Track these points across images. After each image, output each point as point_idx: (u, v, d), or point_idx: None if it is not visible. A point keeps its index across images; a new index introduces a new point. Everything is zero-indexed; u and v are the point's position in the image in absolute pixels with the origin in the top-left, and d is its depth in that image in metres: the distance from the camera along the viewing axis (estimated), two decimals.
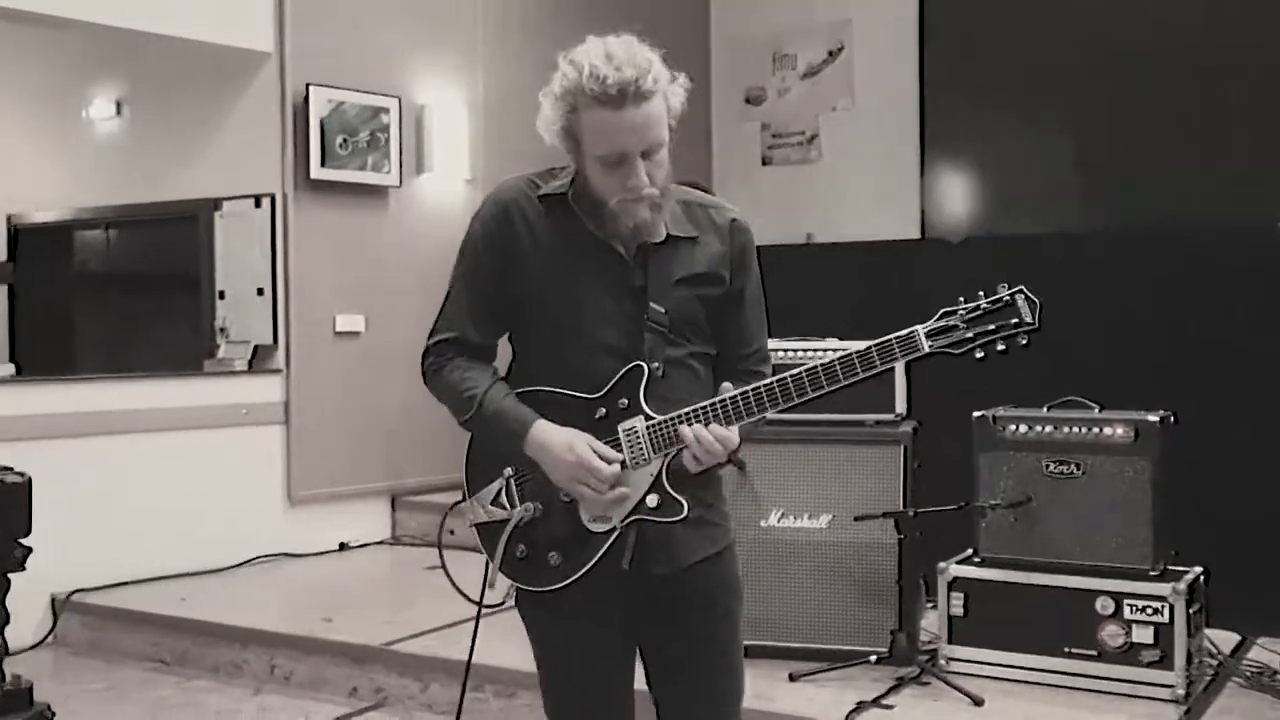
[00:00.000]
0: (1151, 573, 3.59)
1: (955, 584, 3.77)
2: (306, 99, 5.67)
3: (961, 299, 2.08)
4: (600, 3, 6.88)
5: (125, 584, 5.09)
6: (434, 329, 2.25)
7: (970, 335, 2.06)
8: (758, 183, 7.69)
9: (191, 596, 4.96)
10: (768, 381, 2.11)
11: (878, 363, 2.07)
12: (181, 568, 5.28)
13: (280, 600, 5.22)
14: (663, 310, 2.18)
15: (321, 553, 5.74)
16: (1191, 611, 3.56)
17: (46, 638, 4.92)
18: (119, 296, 6.80)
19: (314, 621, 4.54)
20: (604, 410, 2.15)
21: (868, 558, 3.87)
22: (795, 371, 2.12)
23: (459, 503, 2.28)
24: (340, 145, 5.80)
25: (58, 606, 4.97)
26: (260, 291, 5.72)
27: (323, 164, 5.74)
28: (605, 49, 2.06)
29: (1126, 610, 3.55)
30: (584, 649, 2.23)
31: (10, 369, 5.34)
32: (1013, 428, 3.78)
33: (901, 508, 3.82)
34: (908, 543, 3.81)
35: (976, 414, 3.83)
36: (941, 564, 3.81)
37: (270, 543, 5.62)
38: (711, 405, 2.10)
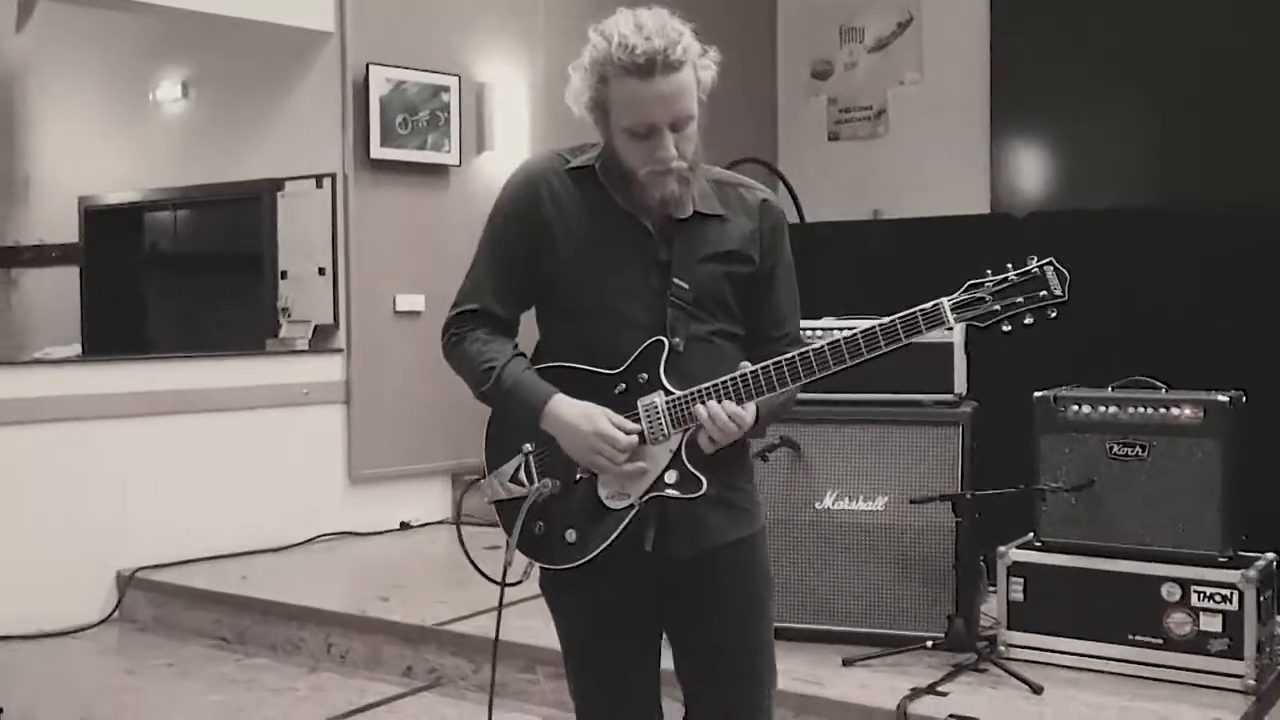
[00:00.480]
0: (1220, 559, 3.46)
1: (1015, 569, 3.67)
2: (366, 78, 5.67)
3: (989, 271, 2.03)
4: None
5: (189, 561, 5.15)
6: (456, 300, 2.23)
7: (997, 308, 2.01)
8: (824, 159, 7.59)
9: (253, 575, 5.00)
10: (788, 356, 2.07)
11: (901, 336, 2.02)
12: (244, 546, 5.33)
13: (339, 579, 5.26)
14: (686, 286, 2.14)
15: (382, 532, 5.77)
16: (1262, 599, 3.43)
17: (112, 614, 4.99)
18: (186, 277, 6.89)
19: (371, 600, 4.56)
20: (624, 385, 2.12)
21: (924, 541, 3.78)
22: (816, 345, 2.07)
23: (477, 480, 2.25)
24: (400, 124, 5.80)
25: (122, 583, 5.04)
26: (321, 271, 5.75)
27: (383, 143, 5.74)
28: (635, 20, 2.04)
29: (1194, 597, 3.43)
30: (608, 631, 2.20)
31: (76, 349, 5.41)
32: (1075, 408, 3.67)
33: (959, 490, 3.73)
34: (965, 526, 3.71)
35: (1038, 394, 3.72)
36: (1001, 548, 3.72)
37: (332, 522, 5.65)
38: (729, 381, 2.06)
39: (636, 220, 2.15)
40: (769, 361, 2.08)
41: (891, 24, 7.41)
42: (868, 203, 7.17)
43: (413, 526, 5.89)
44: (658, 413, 2.09)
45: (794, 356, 2.07)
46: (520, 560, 2.14)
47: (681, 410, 2.09)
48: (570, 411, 2.10)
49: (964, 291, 2.02)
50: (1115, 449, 3.60)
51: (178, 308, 6.82)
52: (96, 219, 6.92)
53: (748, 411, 2.06)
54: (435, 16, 5.96)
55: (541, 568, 2.18)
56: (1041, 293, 2.01)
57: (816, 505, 3.89)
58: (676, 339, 2.13)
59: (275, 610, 4.61)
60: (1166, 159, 6.49)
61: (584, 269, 2.16)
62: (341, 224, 5.71)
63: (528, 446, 2.17)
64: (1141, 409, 3.58)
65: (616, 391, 2.12)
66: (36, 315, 7.22)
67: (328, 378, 5.70)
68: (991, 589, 3.87)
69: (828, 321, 3.99)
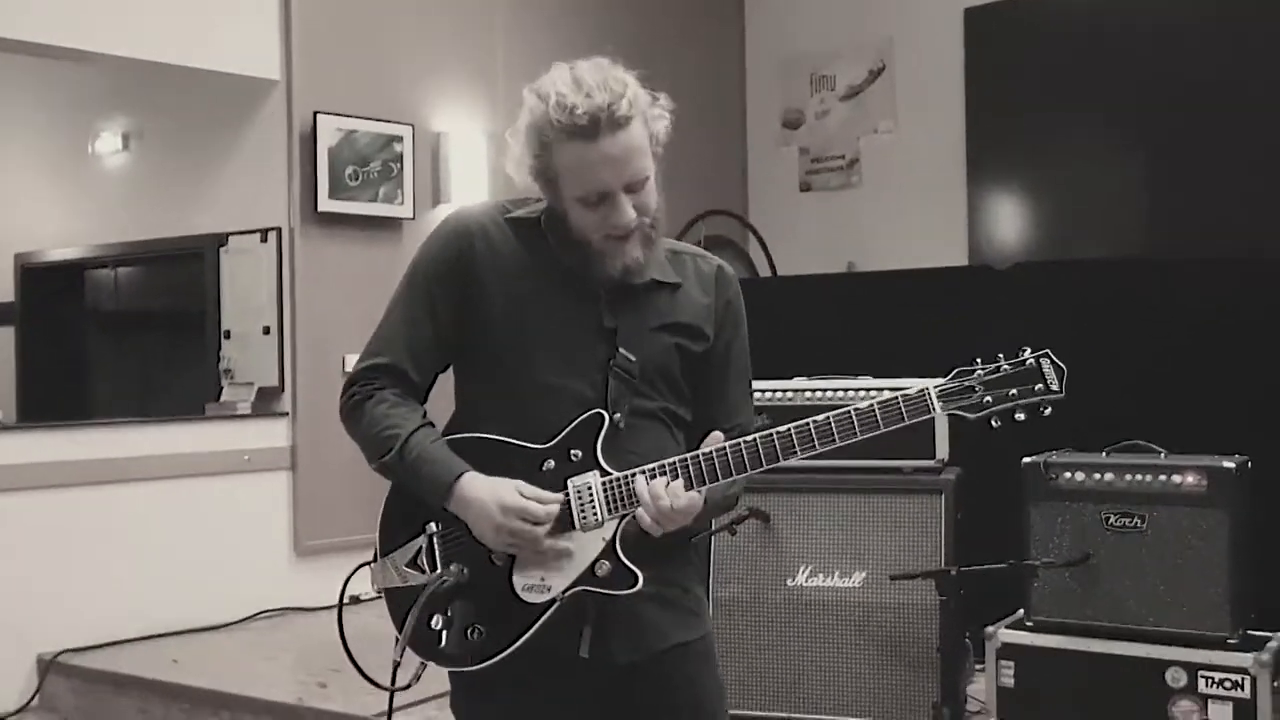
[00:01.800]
0: (1230, 640, 3.16)
1: (1004, 651, 3.37)
2: (314, 128, 5.40)
3: (978, 359, 1.86)
4: (627, 26, 6.62)
5: (119, 643, 4.79)
6: (363, 355, 1.95)
7: (988, 399, 1.83)
8: (796, 210, 7.34)
9: (186, 657, 4.65)
10: (749, 439, 1.80)
11: (880, 424, 1.82)
12: (181, 624, 4.98)
13: (278, 661, 4.89)
14: (633, 358, 1.87)
15: (329, 607, 5.39)
16: (1276, 684, 3.14)
17: (30, 702, 4.63)
18: (126, 337, 6.58)
19: (310, 687, 4.21)
20: (552, 462, 1.84)
21: (906, 621, 3.48)
22: (783, 429, 1.82)
23: (366, 563, 1.95)
24: (350, 176, 5.52)
25: (43, 668, 4.68)
26: (266, 330, 5.44)
27: (331, 195, 5.46)
28: (573, 75, 1.81)
29: (1201, 683, 3.13)
30: None
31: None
32: (1068, 475, 3.38)
33: (943, 565, 3.43)
34: (950, 605, 3.41)
35: (1026, 460, 3.43)
36: (989, 628, 3.42)
37: (275, 597, 5.30)
38: (682, 461, 1.78)
39: (582, 281, 1.90)
40: (726, 443, 1.82)
41: (864, 72, 7.20)
42: (842, 255, 6.92)
43: (362, 600, 5.51)
44: (590, 494, 1.80)
45: (755, 440, 1.82)
46: (412, 660, 1.84)
47: (619, 493, 1.80)
48: (480, 490, 1.80)
49: (952, 379, 1.84)
50: (1112, 520, 3.31)
51: (117, 369, 6.50)
52: (33, 277, 6.60)
53: (696, 498, 1.77)
54: (387, 63, 5.70)
55: (451, 675, 1.87)
56: (1036, 386, 1.83)
57: (788, 582, 3.59)
58: (618, 414, 1.85)
59: (205, 699, 4.26)
60: (1154, 207, 6.26)
61: (516, 330, 1.89)
62: (288, 280, 5.41)
63: (433, 526, 1.87)
64: (1140, 476, 3.29)
65: (543, 468, 1.84)
66: None
67: (272, 443, 5.37)
68: (979, 667, 3.57)
69: (799, 382, 3.73)
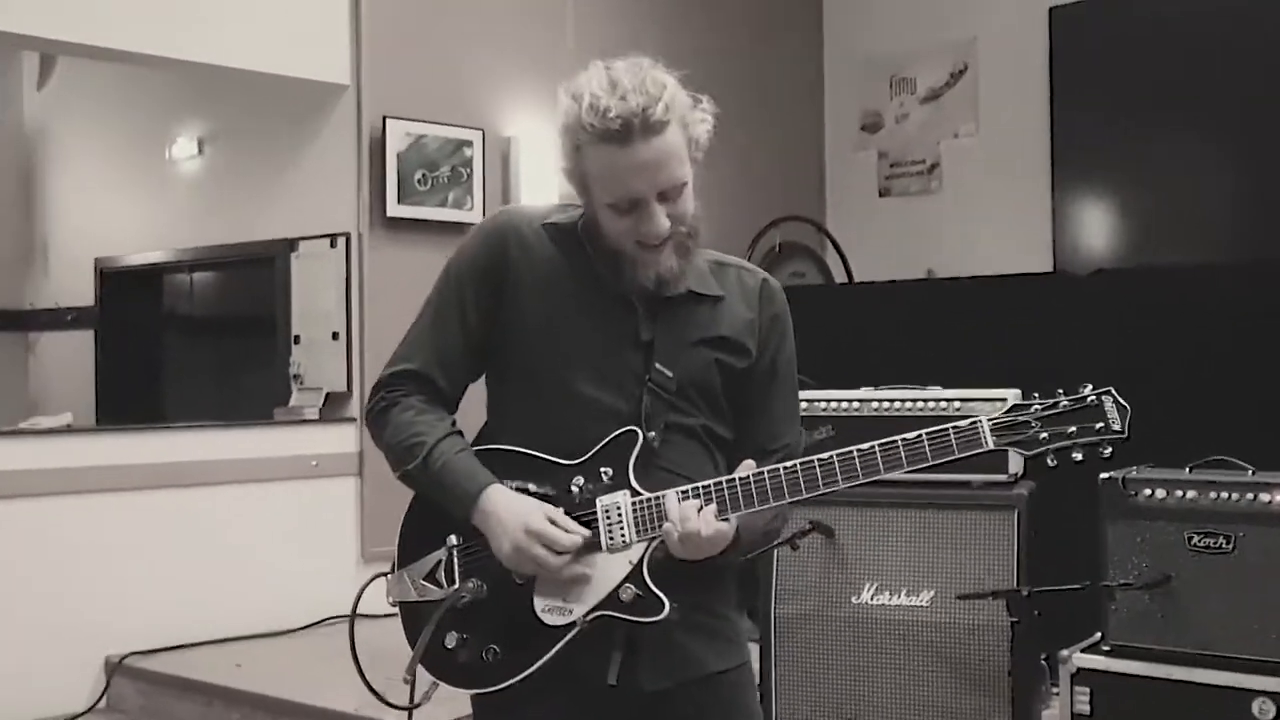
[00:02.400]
0: None
1: (1080, 677, 3.20)
2: (383, 133, 5.38)
3: (1036, 395, 1.75)
4: (702, 27, 6.53)
5: (184, 646, 4.80)
6: (391, 359, 1.88)
7: (1044, 436, 1.72)
8: (874, 215, 7.18)
9: (250, 662, 4.64)
10: (789, 465, 1.69)
11: (929, 456, 1.73)
12: (245, 629, 4.98)
13: (340, 669, 4.86)
14: (669, 373, 1.78)
15: (395, 614, 5.38)
16: None
17: (98, 703, 4.66)
18: (203, 342, 6.63)
19: (369, 696, 4.17)
20: (581, 479, 1.76)
21: (976, 642, 3.33)
22: (825, 456, 1.72)
23: (384, 574, 1.88)
24: (419, 181, 5.49)
25: (110, 670, 4.70)
26: (335, 336, 5.44)
27: (400, 201, 5.44)
28: (609, 76, 1.73)
29: None
30: None
31: (68, 417, 5.13)
32: (1148, 493, 3.20)
33: (1014, 585, 3.28)
34: (1022, 626, 3.26)
35: (1104, 476, 3.27)
36: (1064, 651, 3.26)
37: (341, 604, 5.27)
38: (716, 485, 1.68)
39: (619, 292, 1.81)
40: (764, 469, 1.73)
41: (945, 74, 7.02)
42: (920, 261, 6.75)
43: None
44: (620, 515, 1.71)
45: (796, 466, 1.72)
46: (424, 678, 1.77)
47: (649, 515, 1.71)
48: (503, 504, 1.71)
49: (1007, 413, 1.74)
50: (1195, 540, 3.13)
51: (192, 374, 6.55)
52: (112, 281, 6.68)
53: (728, 528, 1.67)
54: (457, 67, 5.67)
55: (474, 698, 1.80)
56: (1097, 425, 1.73)
57: (853, 599, 3.46)
58: (652, 432, 1.76)
59: (266, 705, 4.24)
60: (1247, 211, 6.01)
61: (550, 340, 1.81)
62: (356, 285, 5.40)
63: (453, 539, 1.79)
64: (1226, 494, 3.11)
65: (573, 486, 1.74)
66: (53, 381, 6.98)
67: (340, 449, 5.36)
68: (1056, 692, 3.41)
69: (865, 391, 3.61)
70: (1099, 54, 6.45)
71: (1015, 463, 3.44)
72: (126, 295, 6.68)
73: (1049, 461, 1.75)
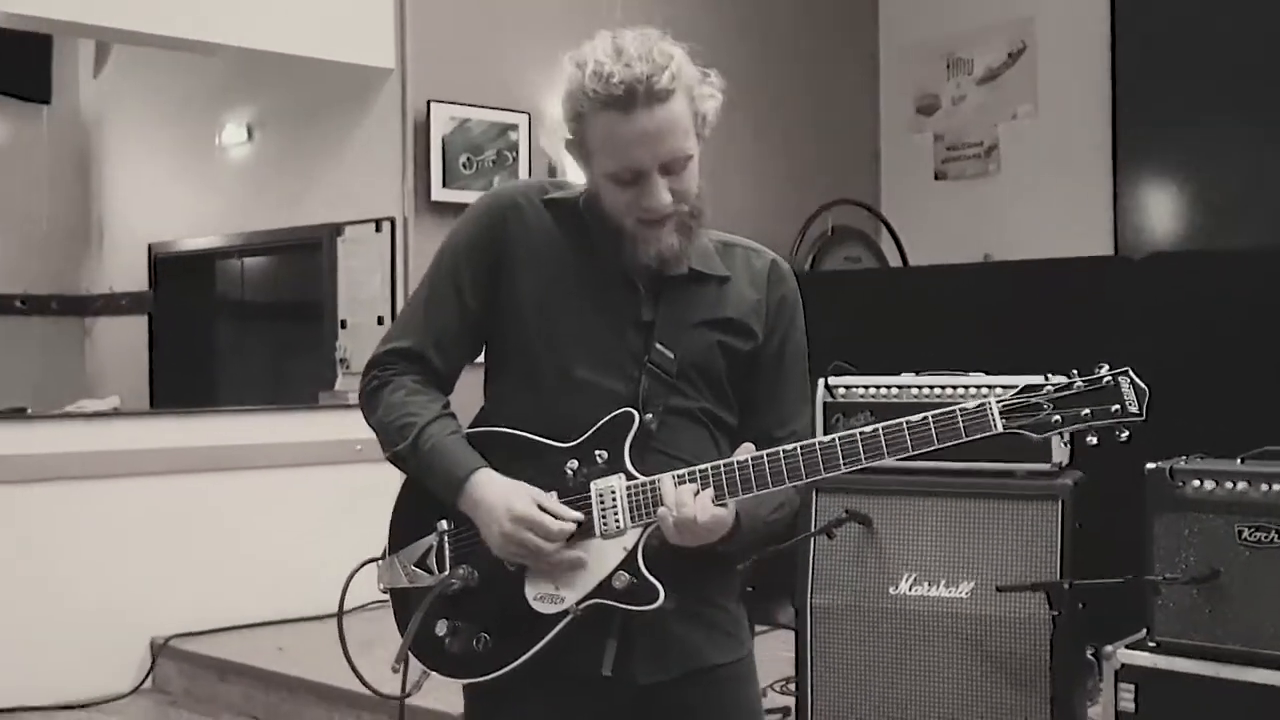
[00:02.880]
0: None
1: (1124, 673, 3.09)
2: (428, 116, 5.37)
3: (1047, 374, 1.67)
4: (757, 9, 6.43)
5: (227, 629, 4.84)
6: (386, 336, 1.83)
7: (1056, 419, 1.64)
8: (930, 199, 7.05)
9: (291, 646, 4.66)
10: (789, 448, 1.62)
11: (935, 439, 1.65)
12: (287, 613, 4.99)
13: (379, 653, 4.87)
14: (670, 354, 1.72)
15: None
16: None
17: (142, 684, 4.70)
18: (253, 326, 6.68)
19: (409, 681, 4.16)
20: (575, 462, 1.70)
21: (1017, 636, 3.23)
22: (827, 439, 1.65)
23: (374, 559, 1.84)
24: (464, 165, 5.47)
25: (155, 651, 4.74)
26: (380, 320, 5.43)
27: (445, 185, 5.42)
28: (615, 43, 1.69)
29: None
30: None
31: (115, 401, 5.17)
32: (1197, 484, 3.08)
33: (1057, 577, 3.18)
34: (1064, 620, 3.15)
35: (1151, 466, 3.15)
36: (1109, 647, 3.15)
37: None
38: (711, 469, 1.62)
39: (620, 269, 1.76)
40: (764, 452, 1.66)
41: (1003, 54, 6.86)
42: (978, 246, 6.60)
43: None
44: (614, 500, 1.66)
45: (796, 449, 1.66)
46: (415, 667, 1.72)
47: (645, 500, 1.65)
48: (493, 491, 1.66)
49: (1017, 394, 1.66)
50: (1246, 534, 3.00)
51: (241, 358, 6.60)
52: (165, 266, 6.74)
53: (726, 514, 1.61)
54: (502, 50, 5.63)
55: (465, 688, 1.75)
56: (1113, 407, 1.63)
57: (890, 590, 3.37)
58: (650, 414, 1.71)
59: (305, 688, 4.25)
60: None
61: (548, 320, 1.76)
62: (401, 270, 5.39)
63: (444, 524, 1.75)
64: (1279, 486, 2.99)
65: (567, 469, 1.69)
66: (108, 365, 7.06)
67: None
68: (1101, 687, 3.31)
69: (906, 378, 3.51)
70: (1163, 31, 6.26)
71: (1059, 452, 3.33)
72: (179, 280, 6.74)
73: (1063, 440, 1.66)
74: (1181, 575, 3.04)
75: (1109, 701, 3.13)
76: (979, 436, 1.64)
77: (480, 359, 1.91)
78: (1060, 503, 3.25)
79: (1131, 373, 1.64)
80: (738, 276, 1.82)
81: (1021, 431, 1.65)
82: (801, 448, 1.64)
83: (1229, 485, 3.03)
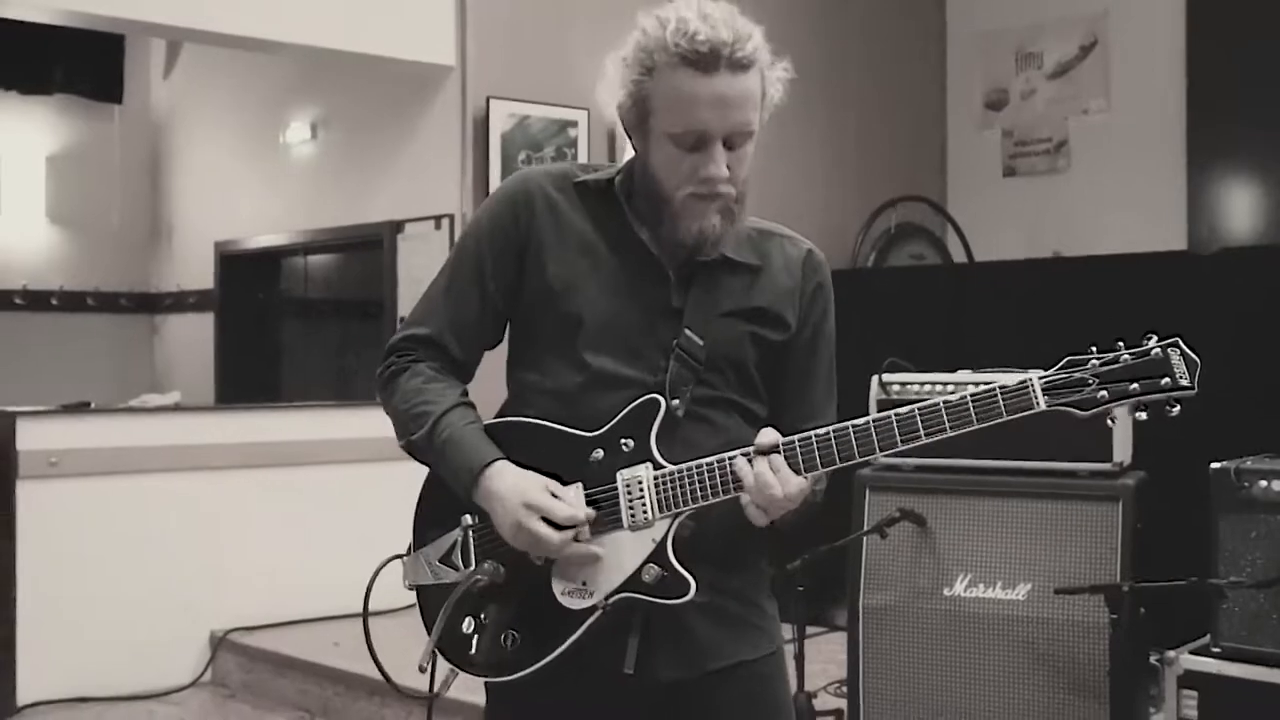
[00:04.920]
0: None
1: (1186, 679, 3.00)
2: (487, 113, 5.36)
3: (1093, 347, 1.59)
4: (825, 3, 6.36)
5: (286, 624, 4.88)
6: (405, 322, 1.81)
7: (1102, 394, 1.55)
8: (999, 196, 6.91)
9: (348, 641, 4.67)
10: (821, 431, 1.58)
11: (974, 420, 1.58)
12: (347, 608, 5.00)
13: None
14: (700, 341, 1.67)
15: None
16: None
17: (201, 676, 4.75)
18: (316, 323, 6.73)
19: (462, 678, 4.16)
20: (601, 452, 1.65)
21: (1075, 640, 3.14)
22: (859, 422, 1.58)
23: (398, 556, 1.81)
24: (523, 162, 5.45)
25: (215, 644, 4.78)
26: None
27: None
28: (700, 7, 1.65)
29: None
30: None
31: (176, 396, 5.23)
32: (1264, 484, 2.98)
33: (1117, 580, 3.08)
34: (1123, 623, 3.06)
35: (1215, 465, 3.05)
36: (1170, 653, 3.06)
37: None
38: (742, 454, 1.58)
39: (651, 254, 1.71)
40: (796, 436, 1.61)
41: (1074, 47, 6.71)
42: (1047, 243, 6.46)
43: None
44: (641, 489, 1.61)
45: (829, 431, 1.60)
46: (442, 666, 1.69)
47: (673, 489, 1.61)
48: (506, 483, 1.63)
49: (1060, 370, 1.57)
50: None
51: (306, 354, 6.66)
52: (230, 264, 6.82)
53: (803, 481, 1.59)
54: (561, 47, 5.61)
55: (487, 684, 1.71)
56: (1163, 380, 1.54)
57: (945, 591, 3.30)
58: (676, 400, 1.66)
59: (358, 683, 4.26)
60: None
61: (573, 304, 1.72)
62: None
63: (468, 519, 1.71)
64: None
65: (591, 459, 1.66)
66: (176, 362, 7.17)
67: None
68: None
69: (960, 375, 3.44)
70: (1240, 24, 6.08)
71: (1121, 450, 3.24)
72: (244, 278, 6.82)
73: (1110, 421, 1.58)
74: (1247, 578, 2.94)
75: (1171, 709, 3.04)
76: (1021, 415, 1.57)
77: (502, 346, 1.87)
78: (1121, 503, 3.16)
79: (1182, 343, 1.56)
80: (772, 265, 1.77)
81: (1067, 409, 1.56)
82: (834, 430, 1.58)
83: None
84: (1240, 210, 6.19)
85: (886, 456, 1.62)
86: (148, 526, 4.69)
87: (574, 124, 5.60)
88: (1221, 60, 6.12)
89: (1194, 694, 2.99)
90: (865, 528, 3.34)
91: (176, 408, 5.17)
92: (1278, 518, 2.95)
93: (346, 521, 5.07)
